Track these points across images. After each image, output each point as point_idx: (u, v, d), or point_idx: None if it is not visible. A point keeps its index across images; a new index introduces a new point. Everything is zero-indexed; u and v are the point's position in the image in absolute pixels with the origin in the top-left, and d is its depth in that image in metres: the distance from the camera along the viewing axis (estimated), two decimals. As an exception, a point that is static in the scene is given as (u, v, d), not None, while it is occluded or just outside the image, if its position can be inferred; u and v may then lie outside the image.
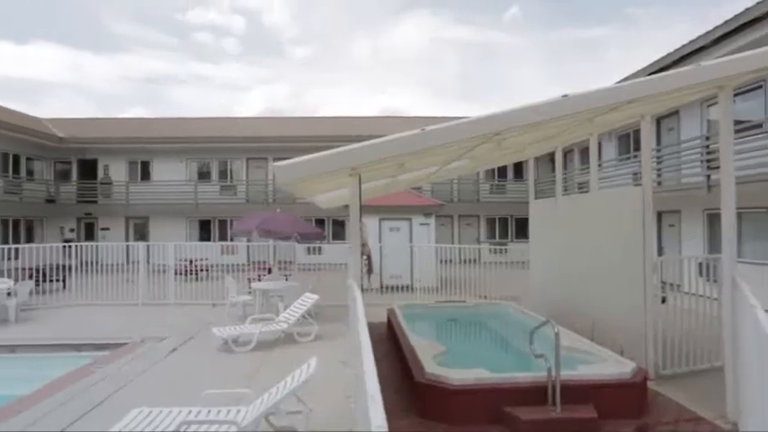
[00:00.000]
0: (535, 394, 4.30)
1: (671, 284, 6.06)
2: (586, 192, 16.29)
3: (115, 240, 19.58)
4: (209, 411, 4.20)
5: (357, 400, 3.25)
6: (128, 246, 13.64)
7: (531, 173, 9.48)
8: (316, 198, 7.14)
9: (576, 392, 4.33)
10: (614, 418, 4.21)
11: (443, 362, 5.15)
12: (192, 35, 63.34)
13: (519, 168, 21.95)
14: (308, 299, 8.01)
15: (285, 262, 16.36)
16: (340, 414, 4.75)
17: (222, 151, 21.21)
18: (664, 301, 5.98)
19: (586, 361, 5.13)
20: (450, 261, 13.64)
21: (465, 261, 12.31)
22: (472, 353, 6.90)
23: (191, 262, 13.88)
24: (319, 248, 18.50)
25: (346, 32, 67.97)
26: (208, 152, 21.28)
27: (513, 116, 3.66)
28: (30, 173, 20.48)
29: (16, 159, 19.62)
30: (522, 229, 22.06)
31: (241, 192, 21.31)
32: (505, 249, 15.13)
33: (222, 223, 21.01)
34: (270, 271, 11.80)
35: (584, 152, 18.03)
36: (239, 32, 63.78)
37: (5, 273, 11.66)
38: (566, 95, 3.76)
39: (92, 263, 12.16)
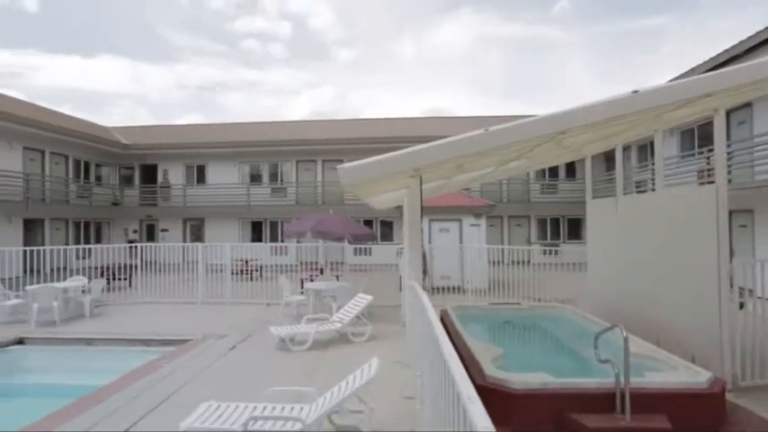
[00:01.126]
0: (601, 401, 4.14)
1: (748, 290, 5.68)
2: (644, 191, 15.59)
3: (173, 241, 20.58)
4: (273, 408, 4.33)
5: (423, 402, 3.25)
6: (184, 246, 14.24)
7: (588, 172, 9.13)
8: (371, 199, 7.19)
9: (647, 401, 4.13)
10: (689, 431, 3.99)
11: (502, 365, 5.05)
12: (241, 43, 65.57)
13: (571, 167, 21.27)
14: (362, 299, 8.09)
15: (334, 263, 16.63)
16: (399, 414, 4.77)
17: (273, 154, 21.81)
18: (741, 306, 5.61)
19: (655, 368, 4.88)
20: (500, 262, 13.40)
21: (515, 262, 12.05)
22: (530, 357, 6.74)
23: (245, 262, 14.38)
24: (368, 249, 18.65)
25: (390, 33, 68.26)
26: (259, 155, 21.93)
27: (580, 114, 3.55)
28: (98, 178, 21.87)
29: (87, 166, 21.01)
30: (574, 229, 21.36)
31: (291, 193, 21.83)
32: (557, 251, 14.69)
33: (273, 224, 21.60)
34: (321, 272, 12.00)
35: (642, 149, 17.23)
36: (286, 37, 65.49)
37: (79, 271, 12.52)
38: (635, 91, 3.61)
39: (153, 262, 12.84)
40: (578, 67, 63.66)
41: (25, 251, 12.45)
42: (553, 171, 21.36)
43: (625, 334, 4.17)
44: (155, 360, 6.79)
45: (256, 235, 21.61)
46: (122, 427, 4.51)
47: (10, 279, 11.06)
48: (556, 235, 21.53)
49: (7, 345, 8.02)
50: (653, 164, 15.12)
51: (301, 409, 4.29)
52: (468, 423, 1.27)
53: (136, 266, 13.39)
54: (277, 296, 11.19)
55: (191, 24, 64.46)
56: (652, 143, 15.61)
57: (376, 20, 65.31)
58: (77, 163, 20.42)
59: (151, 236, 22.35)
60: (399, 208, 16.92)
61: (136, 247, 13.32)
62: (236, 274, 13.01)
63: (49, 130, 17.85)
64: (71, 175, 20.00)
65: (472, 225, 13.26)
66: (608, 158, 19.30)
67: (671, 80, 14.21)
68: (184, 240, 21.47)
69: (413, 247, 4.14)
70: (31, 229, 17.64)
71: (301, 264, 16.77)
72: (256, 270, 14.54)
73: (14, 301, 9.70)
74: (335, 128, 23.64)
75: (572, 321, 7.46)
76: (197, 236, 21.84)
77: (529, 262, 12.29)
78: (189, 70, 65.83)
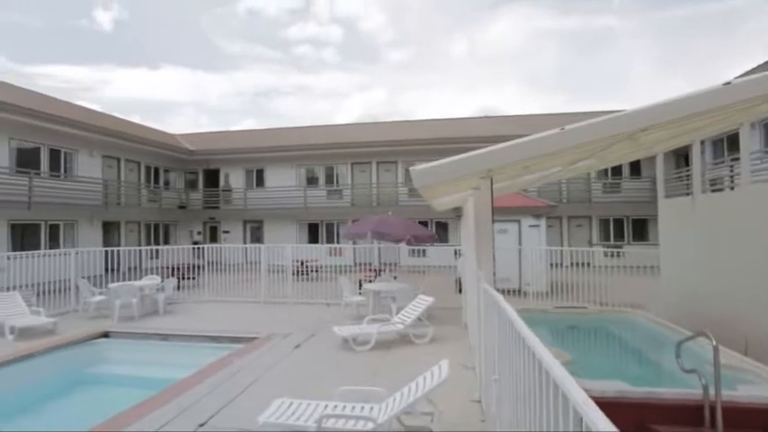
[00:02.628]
0: (687, 413, 3.91)
1: None
2: (720, 189, 14.53)
3: (234, 242, 21.46)
4: (344, 406, 4.41)
5: (500, 405, 3.19)
6: (246, 248, 14.81)
7: (659, 170, 8.65)
8: (435, 201, 7.17)
9: (739, 416, 3.85)
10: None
11: (571, 372, 4.87)
12: (294, 48, 67.40)
13: (635, 165, 20.23)
14: (423, 301, 8.08)
15: (389, 264, 16.72)
16: (467, 417, 4.73)
17: (328, 157, 22.25)
18: None
19: (745, 380, 4.55)
20: (560, 264, 12.96)
21: (575, 265, 11.62)
22: (600, 363, 6.47)
23: (302, 263, 14.74)
24: (423, 251, 18.62)
25: (441, 32, 67.82)
26: (315, 158, 22.44)
27: (664, 110, 3.37)
28: (166, 183, 23.19)
29: (156, 171, 22.35)
30: (639, 230, 20.32)
31: (346, 195, 22.17)
32: (621, 252, 14.02)
33: (329, 226, 22.03)
34: (379, 273, 12.10)
35: (717, 144, 16.11)
36: (337, 41, 66.65)
37: (149, 270, 13.35)
38: (728, 83, 3.38)
39: (216, 263, 13.45)
40: (639, 58, 60.54)
41: (105, 251, 13.42)
42: (616, 169, 20.40)
43: (714, 342, 3.92)
44: (226, 356, 7.10)
45: (313, 236, 22.11)
46: (203, 417, 4.75)
47: (93, 277, 11.94)
48: (619, 236, 20.56)
49: (95, 338, 8.68)
50: (731, 159, 14.10)
51: (371, 408, 4.35)
52: (585, 428, 1.24)
53: (200, 266, 14.10)
54: (336, 296, 11.38)
55: (246, 33, 67.08)
56: (729, 137, 14.56)
57: (426, 19, 65.12)
58: (148, 169, 21.76)
59: (214, 237, 23.41)
60: (456, 209, 16.75)
61: (200, 247, 14.03)
62: (295, 274, 13.38)
63: (125, 138, 19.14)
64: (143, 180, 21.34)
65: (531, 226, 12.91)
66: (677, 155, 18.21)
67: (758, 67, 13.14)
68: (244, 242, 22.33)
69: (484, 249, 4.09)
70: (109, 231, 18.97)
71: (357, 265, 17.00)
72: (314, 271, 14.88)
73: (99, 298, 10.47)
74: (389, 129, 23.80)
75: (645, 327, 7.09)
76: (256, 237, 22.65)
77: (590, 264, 11.79)
78: (245, 77, 68.57)
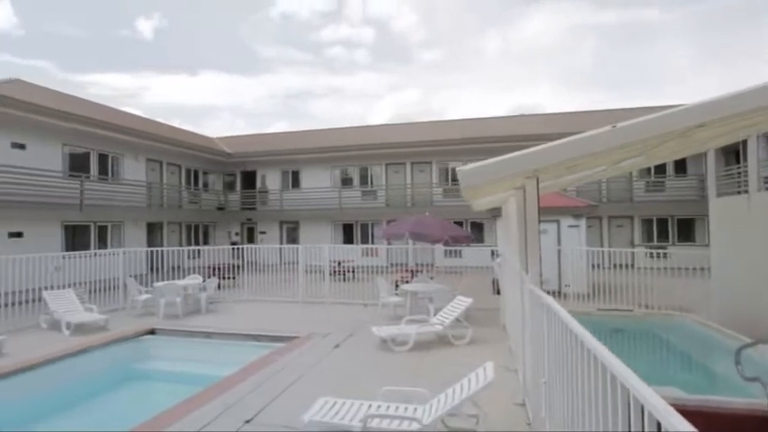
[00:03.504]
0: (753, 424, 3.71)
1: None
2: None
3: (270, 242, 21.86)
4: (388, 406, 4.41)
5: (550, 410, 3.12)
6: (282, 248, 15.08)
7: (711, 167, 8.28)
8: (476, 202, 7.10)
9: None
10: None
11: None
12: (326, 51, 68.09)
13: (681, 163, 19.44)
14: (462, 302, 8.01)
15: (424, 264, 16.65)
16: (513, 420, 4.65)
17: (362, 158, 22.36)
18: None
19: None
20: (600, 266, 12.59)
21: (616, 266, 11.24)
22: (649, 369, 6.24)
23: (338, 264, 14.86)
24: (459, 252, 18.48)
25: (474, 31, 67.06)
26: (349, 159, 22.61)
27: (728, 104, 3.21)
28: (205, 185, 23.86)
29: (196, 174, 23.04)
30: (685, 230, 19.52)
31: (381, 196, 22.24)
32: (666, 254, 13.51)
33: (364, 226, 22.15)
34: (414, 273, 12.07)
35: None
36: (369, 42, 66.88)
37: (190, 270, 13.78)
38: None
39: (253, 263, 13.74)
40: (680, 52, 58.07)
41: (148, 251, 13.93)
42: (659, 167, 19.62)
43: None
44: (268, 355, 7.23)
45: (347, 237, 22.27)
46: (249, 415, 4.86)
47: (137, 276, 12.40)
48: (664, 237, 19.79)
49: (143, 334, 9.02)
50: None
51: (415, 409, 4.34)
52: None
53: (239, 266, 14.44)
54: (373, 297, 11.43)
55: (280, 37, 68.20)
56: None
57: (459, 18, 64.54)
58: (188, 172, 22.46)
59: (251, 238, 23.91)
60: (491, 210, 16.52)
61: (239, 248, 14.36)
62: (331, 275, 13.50)
63: (167, 143, 19.83)
64: (183, 182, 22.04)
65: (571, 226, 12.60)
66: (726, 151, 17.38)
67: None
68: (280, 242, 22.72)
69: (531, 249, 4.01)
70: (152, 232, 19.67)
71: (392, 265, 17.01)
72: (350, 271, 14.98)
73: (145, 296, 10.87)
74: (423, 130, 23.72)
75: (695, 331, 6.80)
76: (292, 238, 23.00)
77: (632, 266, 11.40)
78: (278, 80, 69.74)
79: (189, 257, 15.45)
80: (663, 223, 19.95)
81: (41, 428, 6.05)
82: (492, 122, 23.71)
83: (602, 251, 14.08)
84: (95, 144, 17.03)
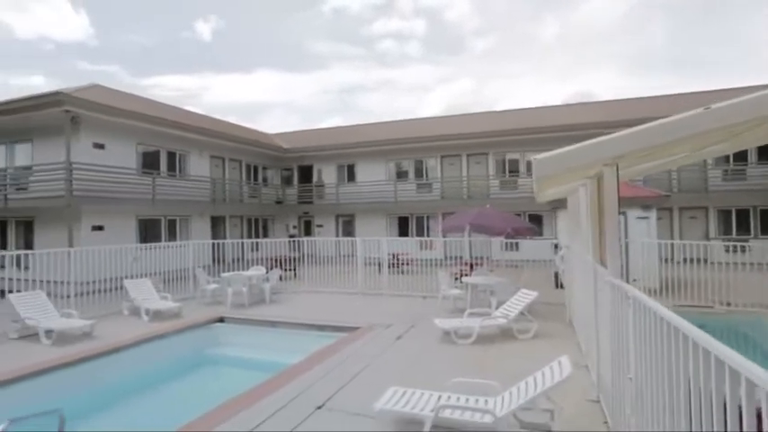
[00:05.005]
0: None
1: None
2: None
3: (327, 236, 22.30)
4: (458, 398, 4.39)
5: (637, 406, 2.99)
6: (341, 241, 15.37)
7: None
8: (542, 193, 6.89)
9: None
10: None
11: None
12: (378, 44, 68.26)
13: (764, 149, 17.90)
14: (527, 295, 7.83)
15: (482, 258, 16.39)
16: (587, 417, 4.51)
17: (417, 151, 22.28)
18: None
19: None
20: (671, 260, 11.87)
21: (689, 260, 10.55)
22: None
23: (395, 256, 14.95)
24: (516, 245, 18.08)
25: (528, 17, 64.93)
26: (404, 152, 22.59)
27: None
28: (264, 180, 24.67)
29: (255, 169, 23.87)
30: (769, 223, 18.05)
31: (436, 189, 22.09)
32: (748, 247, 12.52)
33: (419, 219, 22.11)
34: (472, 267, 11.92)
35: None
36: (420, 34, 66.45)
37: (250, 262, 14.34)
38: None
39: (311, 255, 14.09)
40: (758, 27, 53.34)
41: (212, 244, 14.61)
42: (739, 154, 18.18)
43: None
44: (333, 344, 7.40)
45: (403, 230, 22.32)
46: (320, 401, 5.00)
47: (204, 267, 13.04)
48: (744, 229, 18.37)
49: (212, 322, 9.50)
50: None
51: (486, 401, 4.29)
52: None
53: (296, 259, 14.87)
54: (432, 289, 11.41)
55: (332, 32, 69.18)
56: None
57: (513, 4, 62.67)
58: (248, 167, 23.31)
59: (308, 231, 24.51)
60: (551, 202, 16.01)
61: (297, 240, 14.74)
62: (388, 267, 13.60)
63: (229, 139, 20.65)
64: (244, 177, 22.90)
65: (639, 218, 11.95)
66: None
67: None
68: (336, 235, 23.13)
69: (611, 241, 3.84)
70: (216, 225, 20.61)
71: (448, 259, 16.90)
72: (406, 264, 15.04)
73: (213, 286, 11.43)
74: (479, 121, 23.29)
75: (788, 331, 6.27)
76: (348, 231, 23.35)
77: (707, 260, 10.65)
78: (330, 76, 70.83)
79: (249, 250, 16.11)
80: (743, 215, 18.51)
81: (130, 405, 6.53)
82: (549, 111, 22.91)
83: (674, 244, 13.30)
84: (164, 142, 18.02)
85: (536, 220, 20.02)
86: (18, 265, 10.27)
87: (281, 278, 12.88)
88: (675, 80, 60.39)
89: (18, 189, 15.70)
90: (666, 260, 11.84)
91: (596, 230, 5.04)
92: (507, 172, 21.21)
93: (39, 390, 6.04)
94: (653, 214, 11.95)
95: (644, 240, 11.24)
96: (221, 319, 9.69)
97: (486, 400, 4.29)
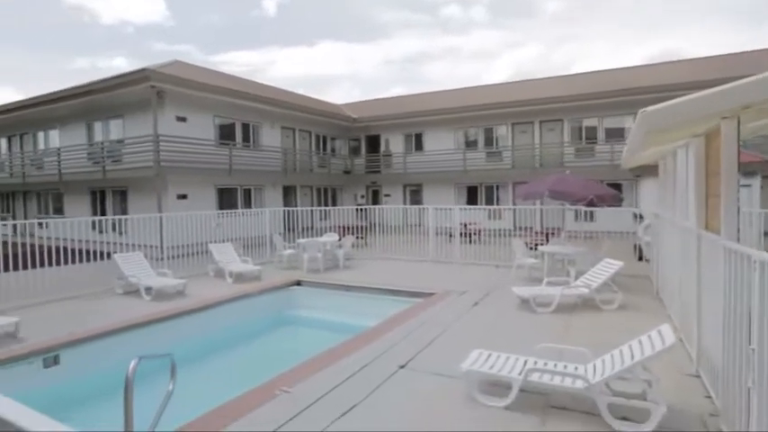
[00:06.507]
0: None
1: None
2: None
3: (394, 205, 22.39)
4: (545, 363, 4.30)
5: (759, 382, 2.76)
6: (410, 209, 15.39)
7: None
8: (634, 157, 6.44)
9: None
10: None
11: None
12: (442, 10, 66.01)
13: None
14: (611, 265, 7.45)
15: (553, 228, 15.79)
16: (687, 391, 4.26)
17: (487, 118, 21.57)
18: None
19: None
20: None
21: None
22: None
23: (464, 225, 14.76)
24: (591, 214, 17.26)
25: (609, -28, 59.77)
26: (473, 120, 21.96)
27: None
28: (332, 150, 25.06)
29: (324, 140, 24.28)
30: None
31: (506, 157, 21.39)
32: None
33: (488, 189, 21.60)
34: (548, 236, 11.51)
35: None
36: (488, -1, 63.30)
37: (321, 230, 14.76)
38: None
39: (378, 224, 14.23)
40: None
41: (284, 211, 15.14)
42: None
43: None
44: (410, 309, 7.49)
45: (471, 199, 21.93)
46: (402, 360, 5.10)
47: (278, 234, 13.58)
48: None
49: (291, 285, 9.93)
50: None
51: (576, 368, 4.17)
52: None
53: (364, 227, 15.10)
54: (504, 259, 11.19)
55: (395, 0, 67.64)
56: None
57: (591, -41, 57.85)
58: (318, 137, 23.74)
59: (375, 200, 24.75)
60: (634, 170, 14.99)
61: (364, 209, 14.95)
62: (459, 236, 13.47)
63: (300, 110, 21.07)
64: (313, 148, 23.38)
65: (741, 185, 10.89)
66: None
67: None
68: (404, 204, 23.17)
69: (727, 204, 3.51)
70: (287, 195, 21.33)
71: (517, 229, 16.43)
72: (475, 234, 14.81)
73: (290, 251, 11.90)
74: (553, 86, 22.05)
75: None
76: (415, 200, 23.32)
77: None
78: (393, 45, 69.81)
79: (319, 219, 16.59)
80: None
81: (220, 357, 7.04)
82: (631, 73, 21.20)
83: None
84: (239, 114, 18.71)
85: (614, 189, 18.89)
86: (115, 230, 11.25)
87: (353, 246, 13.15)
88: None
89: (114, 161, 17.05)
90: (767, 233, 10.78)
91: (701, 194, 4.64)
92: (584, 139, 20.05)
93: (145, 338, 6.65)
94: (756, 181, 10.85)
95: (747, 210, 10.26)
96: (298, 283, 10.10)
97: (576, 367, 4.16)
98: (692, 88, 3.75)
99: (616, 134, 19.21)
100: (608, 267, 7.47)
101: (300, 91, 24.82)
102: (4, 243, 8.59)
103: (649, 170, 15.70)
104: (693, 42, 58.01)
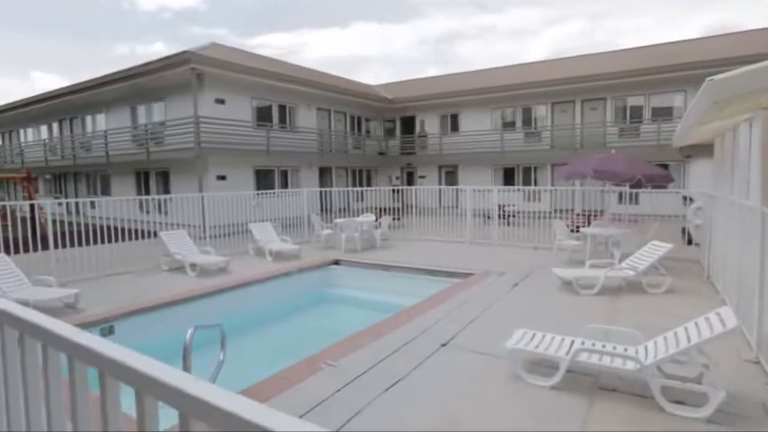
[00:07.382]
0: None
1: None
2: None
3: (430, 186, 22.21)
4: (593, 344, 4.20)
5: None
6: (446, 189, 15.26)
7: None
8: (685, 135, 6.14)
9: None
10: None
11: None
12: (481, -14, 64.05)
13: None
14: (659, 248, 7.17)
15: (593, 211, 15.35)
16: (746, 377, 4.09)
17: (525, 98, 20.96)
18: None
19: None
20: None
21: None
22: None
23: (501, 207, 14.51)
24: (635, 196, 16.66)
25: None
26: (511, 100, 21.39)
27: None
28: (367, 131, 24.99)
29: (359, 121, 24.23)
30: None
31: (545, 138, 20.78)
32: None
33: (526, 170, 21.11)
34: (590, 218, 11.18)
35: None
36: (528, -27, 60.98)
37: (356, 211, 14.82)
38: None
39: (413, 206, 14.15)
40: None
41: (320, 192, 15.26)
42: None
43: None
44: (450, 288, 7.47)
45: (508, 181, 21.50)
46: (444, 338, 5.10)
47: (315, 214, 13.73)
48: None
49: (329, 264, 10.06)
50: None
51: (625, 349, 4.05)
52: None
53: (399, 209, 15.08)
54: (544, 240, 10.97)
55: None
56: None
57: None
58: (353, 119, 23.70)
59: (410, 182, 24.61)
60: (683, 149, 14.31)
61: (400, 190, 14.87)
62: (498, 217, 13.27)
63: (335, 91, 21.04)
64: (348, 129, 23.38)
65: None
66: None
67: None
68: (439, 186, 22.94)
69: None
70: (323, 176, 21.50)
71: (555, 211, 16.02)
72: (513, 216, 14.56)
73: (328, 231, 12.03)
74: (595, 63, 21.16)
75: None
76: (451, 182, 23.05)
77: None
78: (427, 25, 68.48)
79: (354, 200, 16.66)
80: None
81: (264, 331, 7.24)
82: (680, 47, 20.07)
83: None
84: (276, 96, 18.86)
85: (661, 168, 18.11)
86: (160, 210, 11.63)
87: (390, 226, 13.17)
88: None
89: (156, 143, 17.57)
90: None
91: (767, 170, 4.37)
92: (628, 118, 19.23)
93: (192, 312, 6.90)
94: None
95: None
96: (337, 262, 10.21)
97: (626, 348, 4.05)
98: (747, 62, 3.49)
99: (663, 113, 18.33)
100: (656, 250, 7.20)
101: (333, 73, 24.69)
102: (61, 222, 9.03)
103: (701, 150, 14.93)
104: (748, 12, 54.25)
